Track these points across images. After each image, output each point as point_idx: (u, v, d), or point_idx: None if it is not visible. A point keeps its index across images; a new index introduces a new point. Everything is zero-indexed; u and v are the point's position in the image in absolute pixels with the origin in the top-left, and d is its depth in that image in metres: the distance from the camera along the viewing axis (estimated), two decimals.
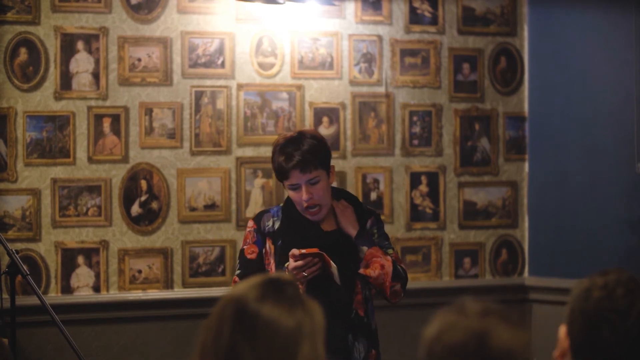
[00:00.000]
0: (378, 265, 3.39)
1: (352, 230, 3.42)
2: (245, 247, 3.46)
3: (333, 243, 3.39)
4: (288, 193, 3.44)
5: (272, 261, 3.41)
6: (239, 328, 1.83)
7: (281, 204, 3.53)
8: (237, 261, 3.51)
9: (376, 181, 5.32)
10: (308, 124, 5.19)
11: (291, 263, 3.29)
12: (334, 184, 3.66)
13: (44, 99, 4.87)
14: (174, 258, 5.01)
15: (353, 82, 5.29)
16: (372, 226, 3.50)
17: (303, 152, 3.31)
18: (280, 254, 3.40)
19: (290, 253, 3.29)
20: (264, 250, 3.43)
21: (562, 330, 2.08)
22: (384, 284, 3.39)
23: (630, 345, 2.01)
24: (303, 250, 3.26)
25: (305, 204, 3.35)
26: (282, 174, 3.37)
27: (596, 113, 5.15)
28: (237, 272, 3.46)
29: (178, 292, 4.99)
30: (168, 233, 5.00)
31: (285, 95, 5.18)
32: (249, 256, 3.44)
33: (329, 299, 3.29)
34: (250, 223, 3.48)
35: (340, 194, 3.54)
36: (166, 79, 5.02)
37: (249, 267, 3.41)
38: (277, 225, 3.43)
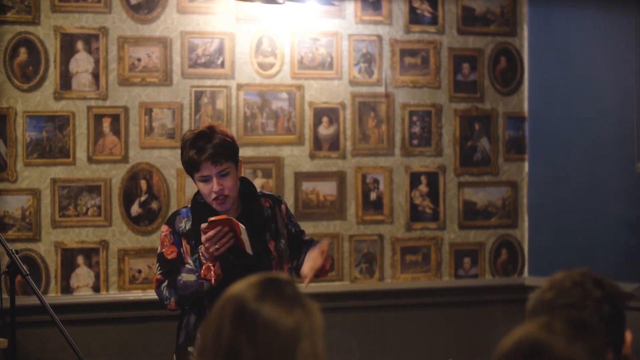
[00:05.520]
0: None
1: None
2: (163, 250, 3.50)
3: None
4: (197, 186, 3.49)
5: (189, 260, 3.45)
6: (239, 326, 1.83)
7: (189, 205, 3.57)
8: (157, 264, 3.52)
9: (376, 181, 5.32)
10: (308, 124, 5.20)
11: (203, 237, 3.34)
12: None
13: (43, 99, 4.87)
14: None
15: (353, 82, 5.29)
16: (287, 211, 3.65)
17: (214, 145, 3.42)
18: (195, 252, 3.45)
19: (200, 228, 3.35)
20: (182, 250, 3.49)
21: None
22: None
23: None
24: (212, 218, 3.32)
25: (214, 195, 3.43)
26: (193, 167, 3.45)
27: (596, 113, 5.15)
28: (159, 271, 3.49)
29: None
30: None
31: (285, 95, 5.18)
32: (169, 256, 3.48)
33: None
34: (164, 228, 3.54)
35: (244, 184, 3.59)
36: (166, 79, 5.02)
37: (170, 265, 3.47)
38: (188, 226, 3.50)
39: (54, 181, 4.88)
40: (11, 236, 4.76)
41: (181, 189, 5.02)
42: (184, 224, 3.50)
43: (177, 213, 3.55)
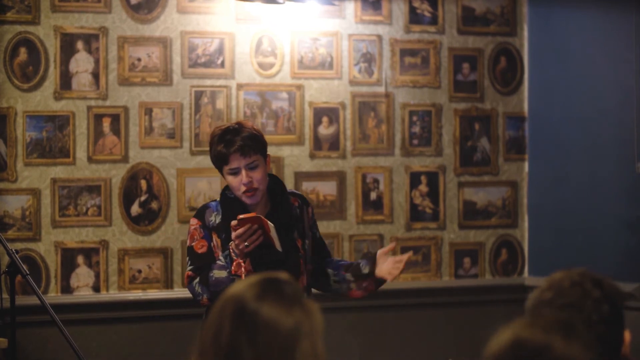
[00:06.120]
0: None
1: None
2: (193, 244, 3.53)
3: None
4: (226, 179, 3.51)
5: (220, 254, 3.48)
6: (238, 326, 1.83)
7: (218, 199, 3.59)
8: (187, 258, 3.55)
9: (376, 181, 5.32)
10: (308, 123, 5.20)
11: (233, 234, 3.36)
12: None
13: (43, 99, 4.87)
14: (174, 258, 5.01)
15: (353, 82, 5.29)
16: (313, 215, 3.68)
17: (243, 137, 3.46)
18: (226, 246, 3.48)
19: (230, 225, 3.37)
20: (212, 244, 3.51)
21: None
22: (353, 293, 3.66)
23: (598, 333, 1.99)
24: (241, 216, 3.33)
25: (243, 188, 3.45)
26: (222, 160, 3.49)
27: (596, 113, 5.15)
28: (190, 267, 3.52)
29: (178, 292, 4.99)
30: (168, 233, 5.00)
31: (285, 95, 5.18)
32: (199, 251, 3.51)
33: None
34: (194, 221, 3.55)
35: (274, 181, 3.62)
36: (166, 79, 5.02)
37: (201, 260, 3.49)
38: (218, 220, 3.52)
39: (54, 181, 4.88)
40: (11, 236, 4.76)
41: (181, 189, 5.02)
42: (214, 218, 3.52)
43: (206, 206, 3.57)
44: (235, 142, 3.45)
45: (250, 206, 3.50)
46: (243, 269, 3.39)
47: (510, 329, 1.74)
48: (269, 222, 3.36)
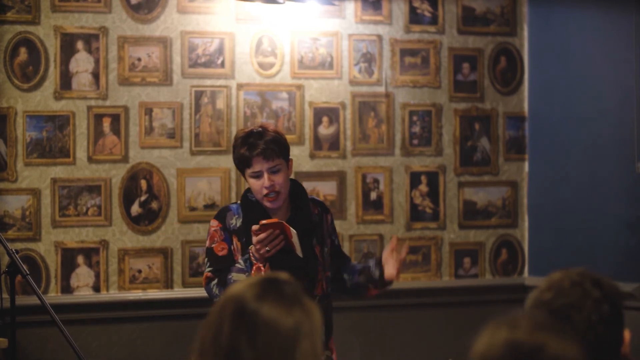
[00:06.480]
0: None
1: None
2: (213, 245, 3.53)
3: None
4: (248, 182, 3.51)
5: (239, 257, 3.48)
6: (238, 326, 1.83)
7: (239, 202, 3.59)
8: (206, 259, 3.55)
9: (376, 181, 5.32)
10: (308, 123, 5.20)
11: (254, 238, 3.36)
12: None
13: (43, 99, 4.87)
14: (174, 258, 5.01)
15: (353, 82, 5.29)
16: (332, 222, 3.71)
17: (266, 141, 3.47)
18: (245, 250, 3.48)
19: (252, 230, 3.37)
20: (232, 247, 3.51)
21: None
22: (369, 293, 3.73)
23: (595, 335, 1.99)
24: (263, 221, 3.33)
25: (265, 191, 3.46)
26: (244, 162, 3.49)
27: (596, 113, 5.15)
28: (209, 268, 3.51)
29: (178, 292, 4.99)
30: (168, 233, 5.00)
31: (285, 95, 5.18)
32: (219, 253, 3.51)
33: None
34: (214, 222, 3.55)
35: (295, 186, 3.63)
36: (166, 79, 5.02)
37: (220, 263, 3.49)
38: (239, 224, 3.52)
39: (54, 181, 4.88)
40: (11, 236, 4.76)
41: (181, 188, 5.02)
42: (235, 221, 3.52)
43: (227, 209, 3.57)
44: (258, 146, 3.45)
45: (271, 210, 3.51)
46: (262, 274, 3.38)
47: (502, 330, 1.74)
48: (291, 228, 3.36)
